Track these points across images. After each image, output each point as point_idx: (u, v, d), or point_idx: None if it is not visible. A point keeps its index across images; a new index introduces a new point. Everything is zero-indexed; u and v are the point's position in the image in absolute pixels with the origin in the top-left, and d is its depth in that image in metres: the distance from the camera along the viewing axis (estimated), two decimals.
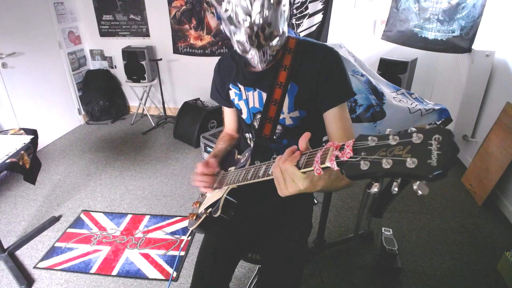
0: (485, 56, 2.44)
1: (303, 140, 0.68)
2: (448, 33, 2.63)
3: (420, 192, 0.44)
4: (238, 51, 0.92)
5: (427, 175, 0.42)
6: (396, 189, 0.47)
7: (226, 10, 0.83)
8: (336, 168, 0.55)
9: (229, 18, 0.84)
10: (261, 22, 0.82)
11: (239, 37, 0.87)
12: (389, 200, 1.58)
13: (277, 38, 0.88)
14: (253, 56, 0.90)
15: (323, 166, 0.58)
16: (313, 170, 0.59)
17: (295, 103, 0.99)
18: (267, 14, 0.82)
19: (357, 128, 1.52)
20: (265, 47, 0.88)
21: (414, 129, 0.46)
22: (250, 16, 0.81)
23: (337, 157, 0.54)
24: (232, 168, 1.07)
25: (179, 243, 2.01)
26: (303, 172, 0.64)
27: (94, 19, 3.65)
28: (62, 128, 3.54)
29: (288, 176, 0.66)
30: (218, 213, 0.98)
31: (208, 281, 1.02)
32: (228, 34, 0.92)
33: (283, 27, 0.89)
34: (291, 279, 1.00)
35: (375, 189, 0.49)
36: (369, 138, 0.50)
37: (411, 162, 0.43)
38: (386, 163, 0.46)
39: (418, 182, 0.44)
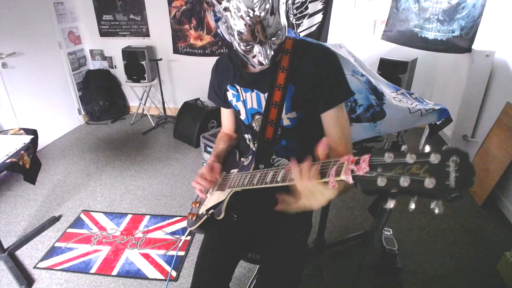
0: (485, 56, 2.44)
1: (322, 148, 0.69)
2: (448, 33, 2.63)
3: (437, 211, 0.45)
4: (240, 51, 0.90)
5: (445, 196, 0.43)
6: (413, 206, 0.48)
7: (226, 9, 0.82)
8: (351, 181, 0.55)
9: (230, 15, 0.83)
10: (263, 15, 0.81)
11: (242, 34, 0.85)
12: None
13: (279, 31, 0.88)
14: (256, 53, 0.89)
15: (338, 179, 0.59)
16: (344, 180, 0.60)
17: (292, 104, 0.99)
18: (268, 7, 0.81)
19: (357, 128, 1.52)
20: (268, 42, 0.88)
21: (430, 147, 0.47)
22: (253, 10, 0.80)
23: (352, 171, 0.55)
24: (234, 171, 1.07)
25: (179, 243, 2.01)
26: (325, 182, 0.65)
27: (94, 19, 3.65)
28: (62, 128, 3.54)
29: (317, 191, 0.68)
30: (222, 216, 0.97)
31: (208, 281, 1.02)
32: (226, 36, 0.91)
33: (284, 20, 0.89)
34: (291, 279, 1.00)
35: (391, 205, 0.50)
36: (386, 154, 0.51)
37: (429, 182, 0.44)
38: (404, 182, 0.47)
39: (435, 202, 0.45)
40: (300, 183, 0.70)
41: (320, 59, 0.94)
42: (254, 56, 0.90)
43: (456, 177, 0.43)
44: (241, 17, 0.82)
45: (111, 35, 3.72)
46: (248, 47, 0.89)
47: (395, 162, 0.49)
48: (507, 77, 2.31)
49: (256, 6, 0.80)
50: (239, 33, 0.86)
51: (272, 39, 0.87)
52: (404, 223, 2.13)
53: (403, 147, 0.50)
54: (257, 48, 0.88)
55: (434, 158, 0.45)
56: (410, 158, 0.48)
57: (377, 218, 1.77)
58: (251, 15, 0.81)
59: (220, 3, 0.83)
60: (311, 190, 0.68)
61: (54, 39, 3.35)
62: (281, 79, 0.96)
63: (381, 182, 0.49)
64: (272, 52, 0.90)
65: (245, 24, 0.83)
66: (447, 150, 0.45)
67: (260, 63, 0.92)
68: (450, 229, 2.09)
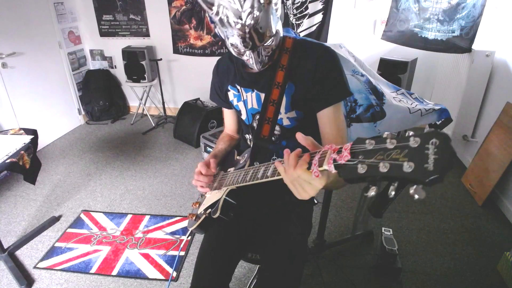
0: (485, 56, 2.44)
1: (304, 140, 0.67)
2: (448, 33, 2.63)
3: (416, 196, 0.44)
4: (234, 53, 0.91)
5: (423, 180, 0.42)
6: (393, 192, 0.47)
7: (217, 14, 0.82)
8: (333, 171, 0.55)
9: (221, 21, 0.83)
10: (252, 23, 0.81)
11: (233, 40, 0.86)
12: (389, 201, 1.58)
13: (271, 38, 0.88)
14: (249, 58, 0.90)
15: (321, 169, 0.58)
16: (327, 169, 0.58)
17: (292, 103, 0.99)
18: (258, 15, 0.81)
19: (357, 128, 1.52)
20: (259, 48, 0.88)
21: (411, 132, 0.46)
22: (241, 18, 0.80)
23: (334, 160, 0.54)
24: (231, 169, 1.07)
25: (179, 243, 2.01)
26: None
27: (94, 19, 3.65)
28: (62, 128, 3.54)
29: (303, 182, 0.65)
30: (217, 214, 0.98)
31: (208, 281, 1.02)
32: (222, 36, 0.92)
33: (276, 26, 0.89)
34: (291, 279, 1.00)
35: (372, 192, 0.50)
36: (367, 141, 0.50)
37: (408, 166, 0.43)
38: (383, 167, 0.46)
39: (415, 186, 0.44)
40: (285, 174, 0.68)
41: (320, 58, 0.95)
42: (247, 60, 0.91)
43: (435, 159, 0.42)
44: (230, 25, 0.82)
45: (111, 35, 3.72)
46: (240, 53, 0.89)
47: (376, 148, 0.49)
48: (507, 77, 2.31)
49: (245, 15, 0.80)
50: (230, 40, 0.87)
51: (264, 44, 0.87)
52: (404, 223, 2.13)
53: (385, 134, 0.49)
54: (248, 53, 0.88)
55: (414, 142, 0.44)
56: (390, 143, 0.47)
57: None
58: (240, 24, 0.81)
59: (211, 10, 0.82)
60: (298, 181, 0.65)
61: (54, 39, 3.34)
62: (279, 78, 0.96)
63: (361, 169, 0.49)
64: (265, 58, 0.91)
65: (235, 32, 0.83)
66: (427, 133, 0.44)
67: (252, 68, 0.92)
68: (450, 229, 2.09)
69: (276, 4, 0.86)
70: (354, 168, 0.50)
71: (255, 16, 0.80)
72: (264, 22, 0.83)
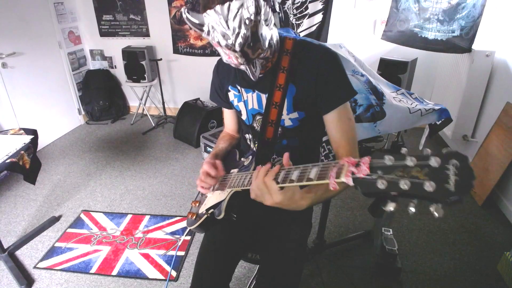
0: (485, 56, 2.44)
1: (286, 158, 0.76)
2: (448, 33, 2.63)
3: (436, 215, 0.45)
4: (231, 65, 0.91)
5: (445, 200, 0.43)
6: (413, 209, 0.48)
7: (208, 33, 0.83)
8: (351, 184, 0.56)
9: (212, 41, 0.84)
10: (241, 42, 0.80)
11: (225, 57, 0.87)
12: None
13: (266, 50, 0.87)
14: (245, 70, 0.90)
15: (338, 180, 0.59)
16: (344, 181, 0.59)
17: (294, 104, 0.98)
18: (245, 33, 0.80)
19: (357, 128, 1.51)
20: (254, 61, 0.87)
21: (430, 151, 0.47)
22: (229, 38, 0.80)
23: (352, 173, 0.55)
24: (235, 171, 1.07)
25: (179, 242, 2.01)
26: (280, 187, 0.71)
27: (94, 19, 3.65)
28: (62, 128, 3.54)
29: (265, 189, 0.74)
30: (222, 216, 0.97)
31: (208, 281, 1.02)
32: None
33: (270, 37, 0.88)
34: (290, 279, 1.00)
35: (391, 208, 0.50)
36: (386, 157, 0.51)
37: (429, 185, 0.44)
38: (404, 184, 0.47)
39: (434, 206, 0.45)
40: (255, 175, 0.77)
41: (320, 59, 0.94)
42: (244, 71, 0.91)
43: (456, 181, 0.43)
44: (219, 44, 0.82)
45: (111, 35, 3.72)
46: (236, 66, 0.90)
47: (395, 164, 0.50)
48: (507, 77, 2.31)
49: (233, 36, 0.79)
50: (223, 56, 0.88)
51: (259, 57, 0.87)
52: (404, 223, 2.13)
53: (403, 150, 0.50)
54: (243, 67, 0.89)
55: (434, 162, 0.45)
56: (410, 161, 0.48)
57: (378, 218, 1.78)
58: (229, 44, 0.81)
59: (202, 31, 0.83)
60: (261, 190, 0.75)
61: (54, 39, 3.34)
62: (281, 79, 0.96)
63: (381, 184, 0.50)
64: (261, 67, 0.91)
65: (227, 52, 0.84)
66: (447, 153, 0.45)
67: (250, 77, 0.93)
68: (450, 229, 2.09)
69: (266, 20, 0.85)
70: (373, 183, 0.51)
71: (242, 35, 0.79)
72: (255, 38, 0.83)
